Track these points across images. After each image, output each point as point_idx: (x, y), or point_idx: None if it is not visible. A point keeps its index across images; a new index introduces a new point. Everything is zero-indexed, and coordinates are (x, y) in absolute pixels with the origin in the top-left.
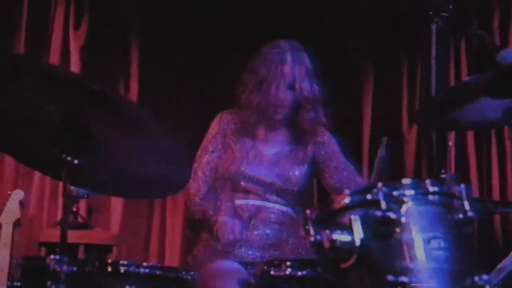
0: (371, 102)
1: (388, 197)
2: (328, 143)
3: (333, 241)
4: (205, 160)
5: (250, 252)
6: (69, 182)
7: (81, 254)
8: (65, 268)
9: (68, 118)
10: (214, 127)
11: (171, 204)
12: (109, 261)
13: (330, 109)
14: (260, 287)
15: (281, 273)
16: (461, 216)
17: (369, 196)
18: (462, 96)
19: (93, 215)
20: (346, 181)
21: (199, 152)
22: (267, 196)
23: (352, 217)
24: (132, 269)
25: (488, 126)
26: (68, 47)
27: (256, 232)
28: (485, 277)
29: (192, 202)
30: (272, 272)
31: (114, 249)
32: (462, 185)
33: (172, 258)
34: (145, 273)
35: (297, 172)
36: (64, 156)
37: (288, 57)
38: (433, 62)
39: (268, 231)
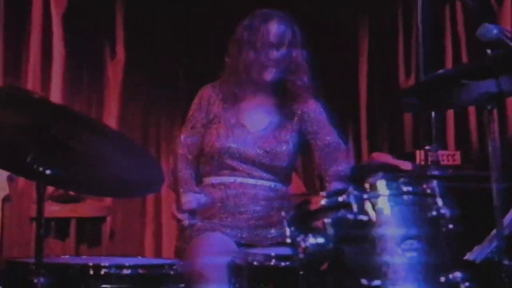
0: (366, 54)
1: (360, 200)
2: (316, 113)
3: (307, 246)
4: (184, 136)
5: (238, 234)
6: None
7: (73, 229)
8: (42, 280)
9: (36, 131)
10: (195, 103)
11: (167, 166)
12: (90, 264)
13: (321, 73)
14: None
15: (265, 264)
16: (434, 213)
17: (340, 199)
18: (446, 82)
19: None
20: (329, 159)
21: (183, 128)
22: (254, 173)
23: (325, 220)
24: (113, 271)
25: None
26: (49, 14)
27: (244, 210)
28: (459, 274)
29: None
30: (255, 263)
31: (108, 219)
32: (435, 182)
33: (171, 223)
34: (127, 274)
35: (285, 148)
36: (36, 167)
37: (274, 18)
38: (420, 26)
39: (257, 208)
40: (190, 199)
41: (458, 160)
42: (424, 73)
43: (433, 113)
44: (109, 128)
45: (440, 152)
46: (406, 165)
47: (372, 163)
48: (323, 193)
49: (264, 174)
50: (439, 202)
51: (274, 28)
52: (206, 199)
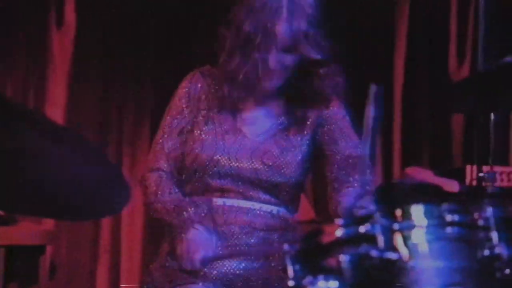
0: (405, 34)
1: (388, 232)
2: (336, 117)
3: None
4: (169, 144)
5: (226, 273)
6: None
7: (0, 262)
8: None
9: None
10: (180, 97)
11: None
12: None
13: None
14: None
15: None
16: (487, 252)
17: (362, 229)
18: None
19: None
20: (346, 176)
21: (159, 133)
22: (250, 193)
23: (341, 258)
24: None
25: None
26: None
27: (235, 242)
28: None
29: (152, 199)
30: None
31: (49, 249)
32: (491, 210)
33: (132, 252)
34: None
35: (290, 157)
36: None
37: (283, 8)
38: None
39: (251, 241)
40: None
41: None
42: (483, 61)
43: (492, 116)
44: (53, 122)
45: (498, 168)
46: (452, 186)
47: (405, 182)
48: (339, 221)
49: (263, 196)
50: (494, 238)
51: (284, 24)
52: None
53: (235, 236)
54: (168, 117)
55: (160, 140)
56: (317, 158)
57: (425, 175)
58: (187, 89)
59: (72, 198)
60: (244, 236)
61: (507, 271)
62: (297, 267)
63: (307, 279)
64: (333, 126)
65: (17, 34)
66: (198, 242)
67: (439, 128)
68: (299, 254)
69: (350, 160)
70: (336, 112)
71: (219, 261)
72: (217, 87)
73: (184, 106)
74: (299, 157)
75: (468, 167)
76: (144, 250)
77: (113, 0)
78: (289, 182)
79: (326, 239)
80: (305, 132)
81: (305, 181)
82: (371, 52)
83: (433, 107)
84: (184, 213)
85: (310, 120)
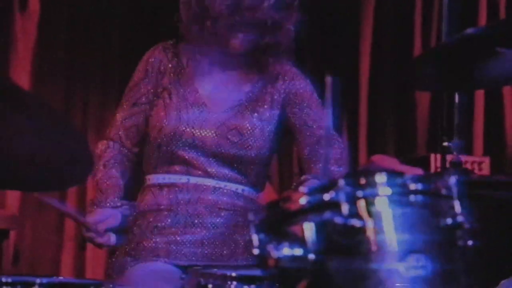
0: (372, 20)
1: (352, 199)
2: (304, 95)
3: (279, 257)
4: (122, 115)
5: (190, 250)
6: None
7: None
8: None
9: None
10: (139, 70)
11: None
12: None
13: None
14: None
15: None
16: (449, 221)
17: (326, 197)
18: (473, 48)
19: None
20: (318, 158)
21: (120, 105)
22: (215, 170)
23: (305, 225)
24: None
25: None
26: None
27: (198, 222)
28: None
29: (95, 168)
30: (210, 286)
31: (12, 234)
32: (453, 180)
33: None
34: None
35: (259, 132)
36: None
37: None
38: None
39: (216, 220)
40: (100, 218)
41: (486, 169)
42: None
43: (456, 96)
44: (18, 87)
45: (463, 157)
46: (416, 173)
47: (371, 169)
48: (303, 189)
49: (229, 173)
50: (457, 207)
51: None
52: (126, 214)
53: (200, 216)
54: (126, 90)
55: (116, 112)
56: (287, 137)
57: (391, 163)
58: (146, 63)
59: (37, 167)
60: (209, 216)
61: (470, 242)
62: (262, 235)
63: (271, 245)
64: (304, 105)
65: None
66: (103, 215)
67: (405, 117)
68: (264, 223)
69: (322, 141)
70: (304, 89)
71: (182, 238)
72: (178, 61)
73: (141, 78)
74: (267, 132)
75: (432, 156)
76: None
77: None
78: (255, 158)
79: (290, 206)
80: (274, 107)
81: (271, 159)
82: (336, 42)
83: (397, 96)
84: (98, 194)
85: (278, 95)
